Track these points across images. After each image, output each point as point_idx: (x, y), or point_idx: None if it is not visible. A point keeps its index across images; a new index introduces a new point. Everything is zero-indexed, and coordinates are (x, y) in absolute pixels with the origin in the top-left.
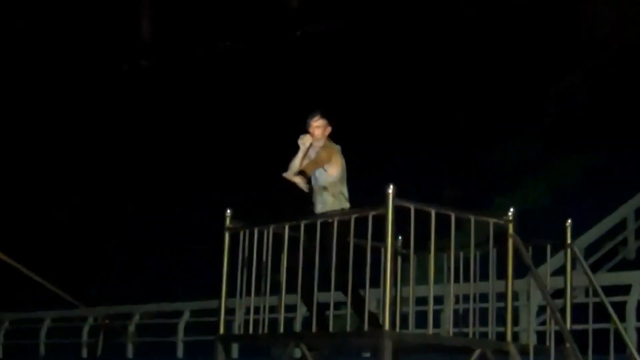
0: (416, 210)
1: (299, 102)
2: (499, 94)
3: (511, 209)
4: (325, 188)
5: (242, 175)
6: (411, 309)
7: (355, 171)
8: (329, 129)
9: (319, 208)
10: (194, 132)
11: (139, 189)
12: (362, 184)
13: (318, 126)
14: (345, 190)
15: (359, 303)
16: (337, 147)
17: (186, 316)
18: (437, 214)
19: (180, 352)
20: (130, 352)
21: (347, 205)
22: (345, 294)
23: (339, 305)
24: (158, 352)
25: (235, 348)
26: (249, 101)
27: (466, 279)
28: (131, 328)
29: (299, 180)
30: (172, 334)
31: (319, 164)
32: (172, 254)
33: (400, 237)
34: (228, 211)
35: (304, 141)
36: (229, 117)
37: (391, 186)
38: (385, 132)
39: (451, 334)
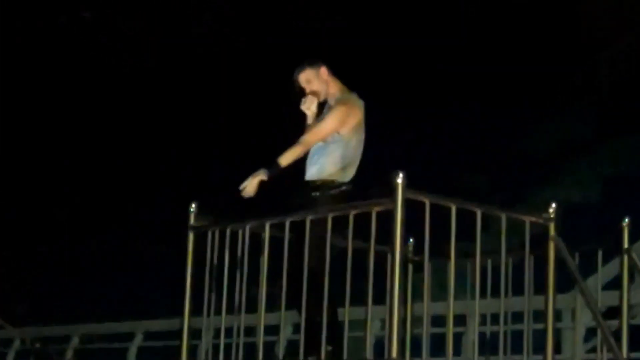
0: (432, 206)
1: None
2: (535, 56)
3: (553, 205)
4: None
5: (209, 162)
6: (425, 332)
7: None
8: (325, 74)
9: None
10: (146, 108)
11: (76, 177)
12: (362, 171)
13: (309, 79)
14: (352, 167)
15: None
16: (355, 99)
17: (139, 339)
18: (459, 210)
19: None
20: None
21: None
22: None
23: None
24: None
25: None
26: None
27: (495, 293)
28: (68, 354)
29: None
30: None
31: (324, 133)
32: (120, 262)
33: (411, 240)
34: (192, 206)
35: (307, 105)
36: (192, 88)
37: (400, 174)
38: (390, 105)
39: None
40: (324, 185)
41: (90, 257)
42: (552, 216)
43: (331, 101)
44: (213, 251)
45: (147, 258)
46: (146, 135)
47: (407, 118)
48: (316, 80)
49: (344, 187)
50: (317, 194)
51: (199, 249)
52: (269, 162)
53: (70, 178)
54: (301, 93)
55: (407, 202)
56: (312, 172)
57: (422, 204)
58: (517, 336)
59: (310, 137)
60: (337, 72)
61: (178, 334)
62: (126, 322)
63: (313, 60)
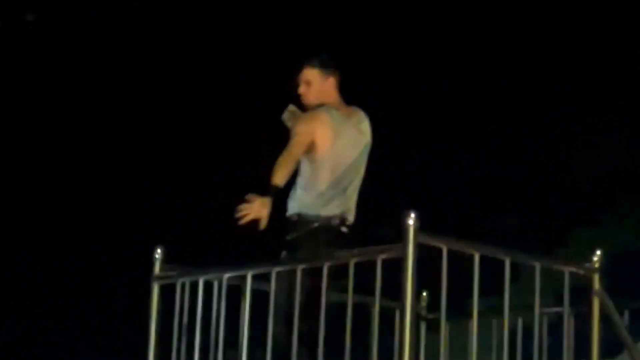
0: (450, 253)
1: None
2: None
3: (597, 251)
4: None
5: (177, 197)
6: None
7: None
8: (330, 83)
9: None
10: (97, 127)
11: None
12: (363, 207)
13: (310, 80)
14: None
15: None
16: (326, 112)
17: None
18: (483, 259)
19: None
20: None
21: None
22: None
23: None
24: None
25: None
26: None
27: (527, 359)
28: None
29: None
30: None
31: (293, 154)
32: (70, 317)
33: (424, 294)
34: (158, 251)
35: (288, 118)
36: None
37: (412, 214)
38: (404, 134)
39: None
40: (301, 221)
41: (48, 320)
42: (596, 265)
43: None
44: (183, 307)
45: (103, 315)
46: (99, 167)
47: (421, 147)
48: (315, 86)
49: (328, 222)
50: (295, 234)
51: (165, 305)
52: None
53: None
54: (294, 87)
55: (420, 248)
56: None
57: (438, 251)
58: None
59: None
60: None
61: None
62: None
63: (329, 63)
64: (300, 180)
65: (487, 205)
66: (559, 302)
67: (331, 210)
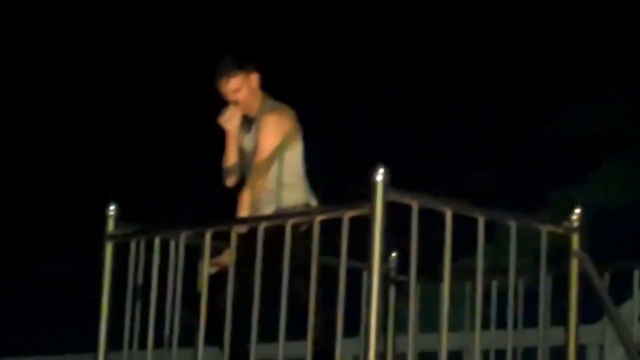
0: (422, 210)
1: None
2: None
3: (577, 210)
4: (279, 180)
5: (131, 155)
6: None
7: (319, 147)
8: (255, 79)
9: (268, 209)
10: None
11: None
12: (330, 166)
13: (237, 87)
14: (304, 179)
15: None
16: (288, 110)
17: None
18: (456, 217)
19: None
20: None
21: (314, 202)
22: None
23: None
24: None
25: None
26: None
27: (502, 324)
28: None
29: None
30: None
31: (270, 153)
32: (17, 282)
33: (394, 255)
34: (111, 208)
35: (228, 118)
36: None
37: (381, 170)
38: (373, 84)
39: None
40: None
41: None
42: (575, 224)
43: (258, 115)
44: (137, 268)
45: (52, 276)
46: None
47: (394, 99)
48: (245, 88)
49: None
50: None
51: (119, 266)
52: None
53: None
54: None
55: (389, 206)
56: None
57: (409, 209)
58: None
59: (262, 172)
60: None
61: None
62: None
63: (245, 62)
64: (292, 170)
65: (465, 164)
66: (536, 264)
67: (312, 200)
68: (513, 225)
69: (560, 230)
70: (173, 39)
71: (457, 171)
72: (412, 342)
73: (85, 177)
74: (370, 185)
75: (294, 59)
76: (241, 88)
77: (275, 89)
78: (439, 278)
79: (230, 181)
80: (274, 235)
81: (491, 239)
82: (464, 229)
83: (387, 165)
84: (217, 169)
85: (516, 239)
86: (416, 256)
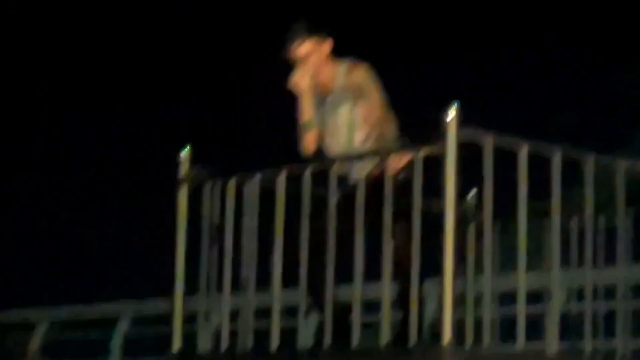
0: (497, 150)
1: None
2: None
3: None
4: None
5: (203, 103)
6: (487, 312)
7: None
8: (326, 47)
9: (355, 172)
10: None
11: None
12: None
13: (306, 53)
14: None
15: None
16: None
17: (124, 326)
18: (533, 156)
19: None
20: None
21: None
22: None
23: (371, 306)
24: None
25: None
26: None
27: (581, 263)
28: (33, 345)
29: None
30: (102, 353)
31: (375, 109)
32: (96, 229)
33: (473, 192)
34: (184, 151)
35: (298, 79)
36: None
37: (453, 108)
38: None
39: (555, 351)
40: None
41: (59, 224)
42: None
43: (334, 80)
44: (212, 212)
45: (131, 223)
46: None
47: (470, 43)
48: (315, 56)
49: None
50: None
51: (193, 209)
52: None
53: (29, 132)
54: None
55: (463, 145)
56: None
57: (481, 149)
58: (611, 317)
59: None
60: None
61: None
62: (107, 305)
63: (318, 28)
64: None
65: (546, 104)
66: (613, 203)
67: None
68: (590, 163)
69: (637, 168)
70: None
71: (537, 109)
72: (487, 281)
73: (159, 121)
74: (443, 124)
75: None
76: (312, 54)
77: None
78: (514, 219)
79: (310, 143)
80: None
81: (579, 180)
82: (543, 169)
83: (462, 105)
84: (288, 112)
85: (605, 179)
86: (491, 195)
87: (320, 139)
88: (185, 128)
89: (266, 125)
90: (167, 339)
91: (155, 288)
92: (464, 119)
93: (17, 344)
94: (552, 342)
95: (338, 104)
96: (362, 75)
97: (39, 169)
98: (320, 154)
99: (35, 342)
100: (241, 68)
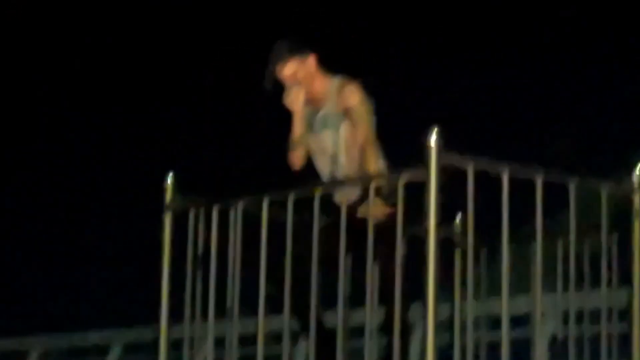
0: (482, 175)
1: None
2: None
3: (638, 169)
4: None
5: (188, 126)
6: (470, 336)
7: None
8: (312, 62)
9: (338, 196)
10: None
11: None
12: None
13: (292, 73)
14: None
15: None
16: (358, 82)
17: (115, 354)
18: (514, 181)
19: None
20: None
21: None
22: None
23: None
24: None
25: None
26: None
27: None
28: None
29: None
30: None
31: (362, 133)
32: (87, 255)
33: (458, 218)
34: (169, 177)
35: (292, 99)
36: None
37: (434, 133)
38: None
39: None
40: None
41: (48, 251)
42: (636, 185)
43: (325, 95)
44: (196, 239)
45: (124, 249)
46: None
47: (451, 63)
48: (302, 72)
49: None
50: None
51: (178, 236)
52: None
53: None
54: (278, 83)
55: (444, 170)
56: (353, 191)
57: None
58: (597, 341)
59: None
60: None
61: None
62: (99, 332)
63: (298, 46)
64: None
65: (539, 128)
66: (597, 226)
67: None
68: (571, 187)
69: (621, 191)
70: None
71: (533, 136)
72: (469, 306)
73: (142, 148)
74: (425, 149)
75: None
76: (298, 72)
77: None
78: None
79: (297, 159)
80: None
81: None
82: (525, 192)
83: (444, 129)
84: (273, 136)
85: (594, 203)
86: (473, 219)
87: (311, 154)
88: (170, 153)
89: (253, 149)
90: None
91: (147, 315)
92: (446, 144)
93: None
94: None
95: (326, 124)
96: (352, 96)
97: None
98: (305, 172)
99: None
100: (226, 91)
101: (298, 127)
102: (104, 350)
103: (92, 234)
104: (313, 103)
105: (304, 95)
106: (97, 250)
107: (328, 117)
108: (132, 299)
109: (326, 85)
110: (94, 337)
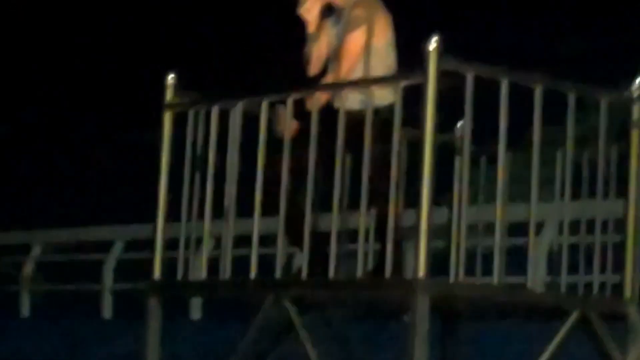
0: (478, 81)
1: None
2: None
3: (638, 79)
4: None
5: (189, 23)
6: (461, 243)
7: None
8: None
9: (355, 104)
10: None
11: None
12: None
13: None
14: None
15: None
16: (375, 1)
17: (117, 250)
18: (515, 88)
19: (107, 310)
20: (25, 308)
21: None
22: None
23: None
24: (71, 309)
25: (197, 304)
26: None
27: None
28: (28, 267)
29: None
30: (94, 279)
31: (357, 49)
32: (89, 152)
33: (460, 124)
34: (170, 77)
35: (308, 8)
36: None
37: (434, 39)
38: None
39: (530, 284)
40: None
41: (53, 150)
42: (636, 95)
43: (344, 7)
44: (196, 138)
45: (124, 147)
46: None
47: None
48: None
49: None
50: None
51: (177, 135)
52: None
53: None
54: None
55: (444, 75)
56: (355, 100)
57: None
58: (590, 251)
59: (345, 70)
60: None
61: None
62: (101, 228)
63: None
64: (383, 64)
65: (545, 27)
66: (595, 136)
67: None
68: (571, 96)
69: (620, 99)
70: None
71: (535, 34)
72: (463, 211)
73: (144, 44)
74: (424, 54)
75: None
76: None
77: None
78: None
79: (314, 70)
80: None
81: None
82: (525, 99)
83: (445, 34)
84: (278, 37)
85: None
86: (470, 126)
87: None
88: (172, 52)
89: (252, 46)
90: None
91: (150, 213)
92: (448, 51)
93: (11, 266)
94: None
95: (340, 33)
96: (362, 10)
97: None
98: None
99: (29, 264)
100: None
101: (312, 40)
102: (106, 246)
103: (96, 131)
104: (336, 14)
105: (320, 3)
106: (101, 146)
107: (339, 31)
108: (137, 197)
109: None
110: (96, 233)
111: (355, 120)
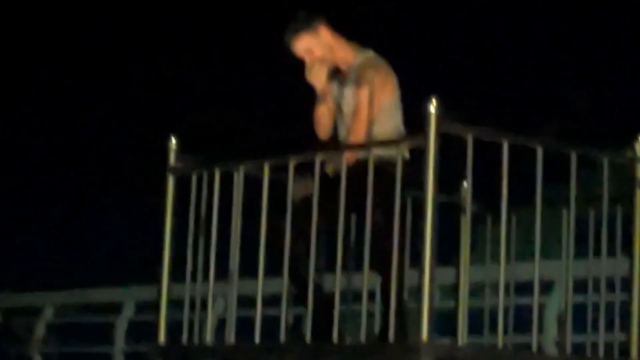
0: (478, 143)
1: None
2: None
3: None
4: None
5: (191, 90)
6: (464, 306)
7: None
8: (328, 36)
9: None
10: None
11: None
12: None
13: (308, 48)
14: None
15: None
16: (380, 60)
17: (129, 311)
18: (517, 149)
19: None
20: None
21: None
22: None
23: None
24: None
25: None
26: None
27: (582, 254)
28: (39, 329)
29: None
30: (106, 340)
31: (366, 110)
32: (100, 216)
33: (465, 184)
34: (172, 141)
35: (316, 75)
36: None
37: (433, 101)
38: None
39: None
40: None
41: (61, 213)
42: (639, 154)
43: (349, 70)
44: (199, 201)
45: (115, 212)
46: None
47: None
48: (318, 46)
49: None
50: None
51: (181, 198)
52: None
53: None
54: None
55: (444, 137)
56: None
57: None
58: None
59: (357, 133)
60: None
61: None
62: (113, 290)
63: (306, 19)
64: (389, 124)
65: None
66: (598, 196)
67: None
68: (573, 156)
69: (623, 160)
70: None
71: (542, 90)
72: (462, 271)
73: (146, 111)
74: (424, 116)
75: None
76: (313, 47)
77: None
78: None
79: (323, 134)
80: (359, 175)
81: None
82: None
83: (442, 97)
84: (280, 98)
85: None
86: (470, 189)
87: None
88: (174, 117)
89: (257, 112)
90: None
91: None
92: (449, 111)
93: (23, 328)
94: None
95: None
96: (371, 70)
97: (49, 157)
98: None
99: (41, 325)
100: (231, 53)
101: (321, 105)
102: (117, 307)
103: (102, 193)
104: (342, 75)
105: (326, 68)
106: (109, 208)
107: (346, 93)
108: (133, 260)
109: (349, 56)
110: (107, 294)
111: (361, 166)
